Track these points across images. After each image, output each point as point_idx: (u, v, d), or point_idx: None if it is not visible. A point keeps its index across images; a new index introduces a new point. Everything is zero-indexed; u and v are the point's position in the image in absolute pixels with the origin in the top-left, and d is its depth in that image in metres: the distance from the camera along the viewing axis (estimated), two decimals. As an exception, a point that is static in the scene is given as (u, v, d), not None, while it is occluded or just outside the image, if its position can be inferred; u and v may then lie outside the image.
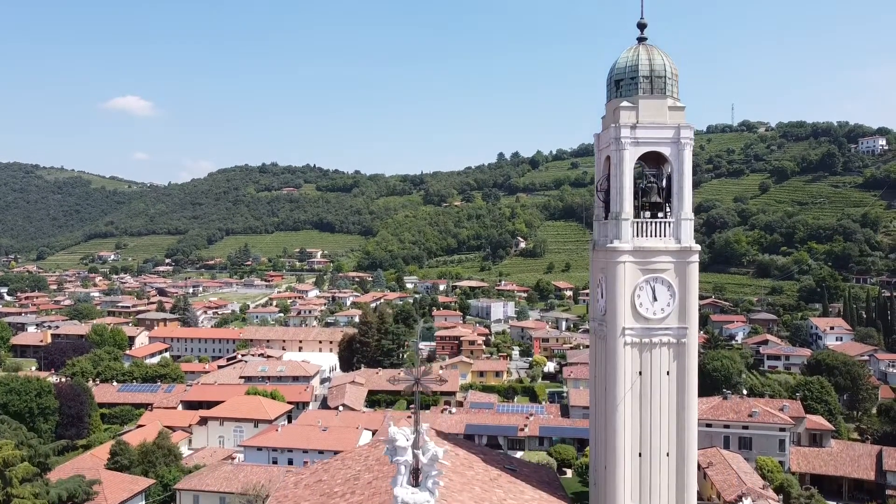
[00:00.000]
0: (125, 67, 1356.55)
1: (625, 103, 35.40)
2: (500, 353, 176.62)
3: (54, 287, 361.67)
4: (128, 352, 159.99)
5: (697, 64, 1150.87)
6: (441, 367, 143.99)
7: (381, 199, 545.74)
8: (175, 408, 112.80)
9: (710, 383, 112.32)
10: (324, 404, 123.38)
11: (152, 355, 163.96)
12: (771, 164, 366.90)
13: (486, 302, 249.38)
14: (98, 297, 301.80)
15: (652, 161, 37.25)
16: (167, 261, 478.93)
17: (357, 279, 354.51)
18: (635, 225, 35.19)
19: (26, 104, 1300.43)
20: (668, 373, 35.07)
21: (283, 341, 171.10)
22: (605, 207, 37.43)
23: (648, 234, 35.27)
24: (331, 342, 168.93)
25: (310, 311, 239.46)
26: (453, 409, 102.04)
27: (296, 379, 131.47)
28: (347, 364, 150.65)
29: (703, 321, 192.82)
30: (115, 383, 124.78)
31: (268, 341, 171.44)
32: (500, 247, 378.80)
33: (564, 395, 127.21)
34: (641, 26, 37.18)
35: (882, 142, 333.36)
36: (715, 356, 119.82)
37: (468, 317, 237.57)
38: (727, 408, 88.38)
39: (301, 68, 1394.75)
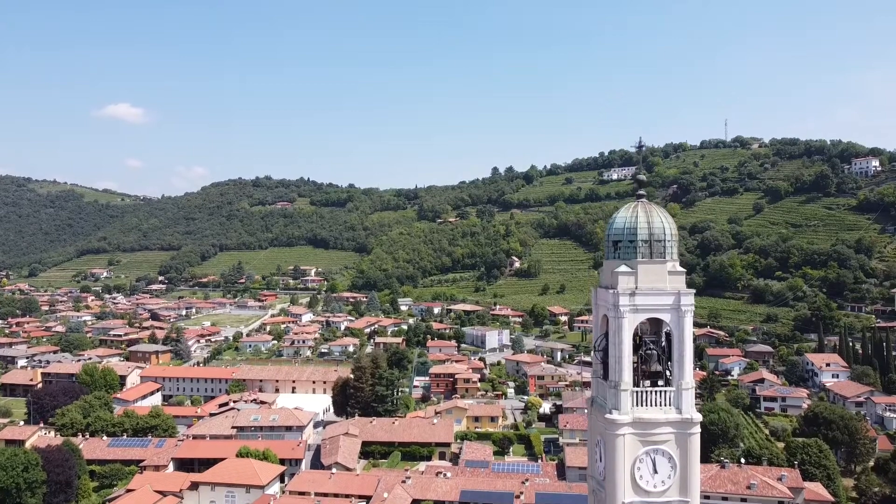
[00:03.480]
0: (115, 75, 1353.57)
1: (623, 268, 34.42)
2: (495, 392, 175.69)
3: (46, 308, 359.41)
4: (118, 395, 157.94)
5: (692, 77, 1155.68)
6: (436, 413, 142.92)
7: (376, 213, 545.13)
8: (166, 466, 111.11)
9: (708, 437, 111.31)
10: (317, 456, 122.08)
11: (143, 397, 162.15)
12: (765, 183, 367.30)
13: (480, 330, 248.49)
14: (90, 322, 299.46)
15: (651, 320, 36.21)
16: (160, 278, 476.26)
17: (351, 300, 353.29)
18: (635, 395, 34.13)
19: (18, 115, 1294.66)
20: (668, 547, 34.00)
21: (277, 381, 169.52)
22: (603, 366, 36.37)
23: (648, 403, 34.22)
24: (324, 382, 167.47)
25: (303, 341, 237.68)
26: (448, 474, 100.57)
27: (289, 429, 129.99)
28: (341, 408, 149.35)
29: (699, 354, 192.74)
30: (105, 437, 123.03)
31: (261, 381, 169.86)
32: (494, 266, 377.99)
33: (560, 445, 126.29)
34: (640, 183, 36.29)
35: (875, 163, 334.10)
36: (712, 408, 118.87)
37: (463, 345, 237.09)
38: (725, 478, 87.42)
39: (295, 76, 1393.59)
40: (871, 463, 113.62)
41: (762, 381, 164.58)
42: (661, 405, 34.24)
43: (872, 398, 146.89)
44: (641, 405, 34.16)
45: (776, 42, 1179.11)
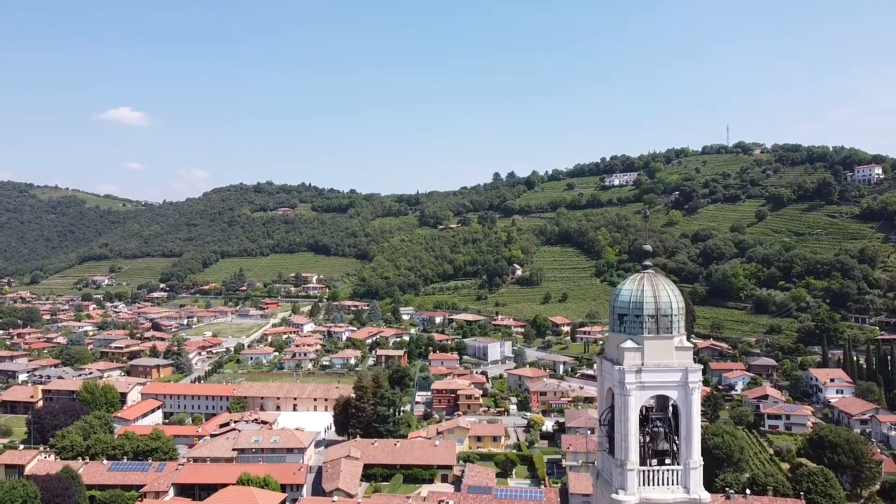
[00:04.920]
0: (115, 78, 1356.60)
1: (629, 343, 33.62)
2: (497, 408, 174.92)
3: (47, 317, 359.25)
4: (119, 413, 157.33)
5: (693, 80, 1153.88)
6: (438, 432, 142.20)
7: (377, 220, 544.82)
8: (167, 492, 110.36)
9: (711, 461, 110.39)
10: (318, 479, 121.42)
11: (144, 415, 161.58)
12: (767, 190, 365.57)
13: (482, 342, 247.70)
14: (91, 333, 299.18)
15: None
16: (162, 286, 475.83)
17: (353, 309, 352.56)
18: (641, 474, 33.30)
19: (18, 120, 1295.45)
20: None
21: (278, 398, 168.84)
22: (608, 440, 35.56)
23: (655, 482, 33.39)
24: (326, 399, 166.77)
25: (304, 354, 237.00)
26: (450, 502, 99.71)
27: (290, 451, 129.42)
28: (343, 427, 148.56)
29: (703, 369, 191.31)
30: (105, 460, 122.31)
31: (262, 398, 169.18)
32: (496, 274, 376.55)
33: (563, 467, 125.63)
34: (645, 254, 35.51)
35: (878, 170, 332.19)
36: (716, 431, 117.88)
37: (465, 357, 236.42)
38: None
39: (296, 80, 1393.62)
40: (877, 487, 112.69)
41: (766, 397, 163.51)
42: (668, 484, 33.44)
43: (878, 416, 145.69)
44: (648, 484, 33.36)
45: (778, 45, 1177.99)
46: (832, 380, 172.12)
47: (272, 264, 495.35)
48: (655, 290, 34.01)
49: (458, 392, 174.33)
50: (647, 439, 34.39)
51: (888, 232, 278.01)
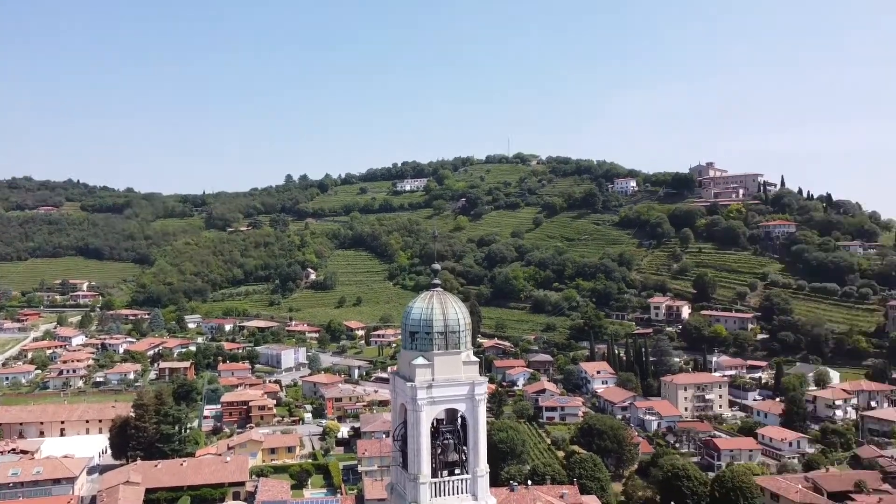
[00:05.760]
0: None
1: (420, 360, 35.22)
2: (292, 417, 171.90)
3: None
4: None
5: (478, 91, 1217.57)
6: (229, 447, 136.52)
7: (158, 221, 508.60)
8: None
9: (497, 455, 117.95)
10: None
11: None
12: (542, 198, 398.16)
13: (276, 349, 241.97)
14: None
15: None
16: None
17: (131, 318, 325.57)
18: (433, 486, 35.01)
19: None
20: None
21: (41, 423, 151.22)
22: (402, 455, 36.91)
23: (446, 492, 35.30)
24: (100, 421, 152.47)
25: (74, 370, 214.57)
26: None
27: (57, 482, 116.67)
28: (121, 451, 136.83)
29: (488, 367, 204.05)
30: None
31: (21, 424, 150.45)
32: (289, 279, 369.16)
33: (359, 472, 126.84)
34: (435, 272, 37.38)
35: (633, 183, 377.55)
36: (501, 426, 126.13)
37: (258, 365, 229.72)
38: (514, 502, 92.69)
39: (55, 60, 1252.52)
40: (636, 466, 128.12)
41: (544, 391, 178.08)
42: (458, 494, 35.49)
43: (635, 403, 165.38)
44: (440, 496, 35.15)
45: (553, 61, 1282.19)
46: (598, 372, 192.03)
47: (32, 270, 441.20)
48: (444, 308, 36.00)
49: (250, 403, 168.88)
50: (439, 451, 36.24)
51: (641, 238, 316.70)
